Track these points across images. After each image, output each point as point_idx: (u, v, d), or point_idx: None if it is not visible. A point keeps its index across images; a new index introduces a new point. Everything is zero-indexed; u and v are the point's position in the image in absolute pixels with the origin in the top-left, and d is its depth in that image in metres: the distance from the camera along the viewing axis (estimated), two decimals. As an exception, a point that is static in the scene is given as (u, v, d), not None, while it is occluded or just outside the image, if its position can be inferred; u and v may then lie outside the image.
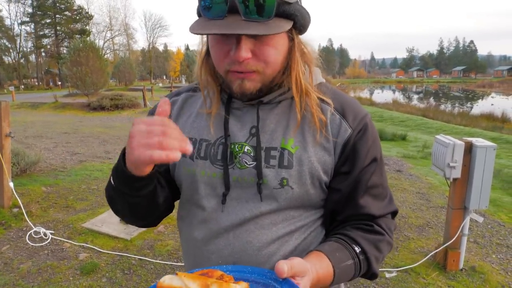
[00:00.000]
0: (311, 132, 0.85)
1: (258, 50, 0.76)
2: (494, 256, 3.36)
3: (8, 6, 69.29)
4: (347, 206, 0.87)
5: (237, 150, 0.85)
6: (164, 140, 0.64)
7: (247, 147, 0.85)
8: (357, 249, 0.82)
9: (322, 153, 0.85)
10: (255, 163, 0.84)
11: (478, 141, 2.87)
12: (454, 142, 2.83)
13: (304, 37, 0.84)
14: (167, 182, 0.93)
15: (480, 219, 3.00)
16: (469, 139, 2.92)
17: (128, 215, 0.89)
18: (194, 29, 0.73)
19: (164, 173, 0.93)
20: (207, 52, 0.85)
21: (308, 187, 0.84)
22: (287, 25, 0.74)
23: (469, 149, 2.86)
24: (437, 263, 3.13)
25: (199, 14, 0.78)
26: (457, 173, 2.86)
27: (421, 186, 5.37)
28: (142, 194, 0.79)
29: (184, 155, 0.88)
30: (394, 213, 0.93)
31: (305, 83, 0.85)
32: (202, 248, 0.89)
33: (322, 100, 0.87)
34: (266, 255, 0.84)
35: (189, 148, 0.66)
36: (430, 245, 3.49)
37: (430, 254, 3.21)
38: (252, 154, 0.84)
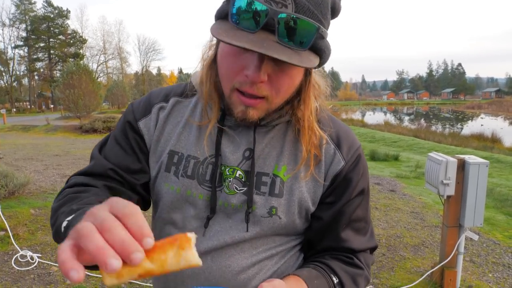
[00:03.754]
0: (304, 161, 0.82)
1: (275, 76, 0.69)
2: (490, 275, 3.32)
3: (2, 30, 70.03)
4: (327, 238, 0.85)
5: (228, 174, 0.80)
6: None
7: (239, 172, 0.80)
8: (335, 280, 0.81)
9: (313, 183, 0.82)
10: (245, 188, 0.79)
11: (470, 158, 2.88)
12: (447, 159, 2.83)
13: (317, 70, 0.81)
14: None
15: (476, 237, 2.97)
16: (462, 156, 2.93)
17: None
18: (220, 35, 0.64)
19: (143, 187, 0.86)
20: (214, 59, 0.78)
21: (295, 217, 0.81)
22: (316, 60, 0.68)
23: (462, 166, 2.86)
24: (434, 282, 3.07)
25: (223, 16, 0.68)
26: (451, 191, 2.85)
27: (415, 206, 5.34)
28: None
29: (166, 170, 0.82)
30: (373, 249, 0.91)
31: (313, 119, 0.81)
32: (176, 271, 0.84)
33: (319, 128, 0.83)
34: (244, 279, 0.80)
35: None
36: (426, 265, 3.44)
37: (427, 274, 3.16)
38: (243, 179, 0.80)
